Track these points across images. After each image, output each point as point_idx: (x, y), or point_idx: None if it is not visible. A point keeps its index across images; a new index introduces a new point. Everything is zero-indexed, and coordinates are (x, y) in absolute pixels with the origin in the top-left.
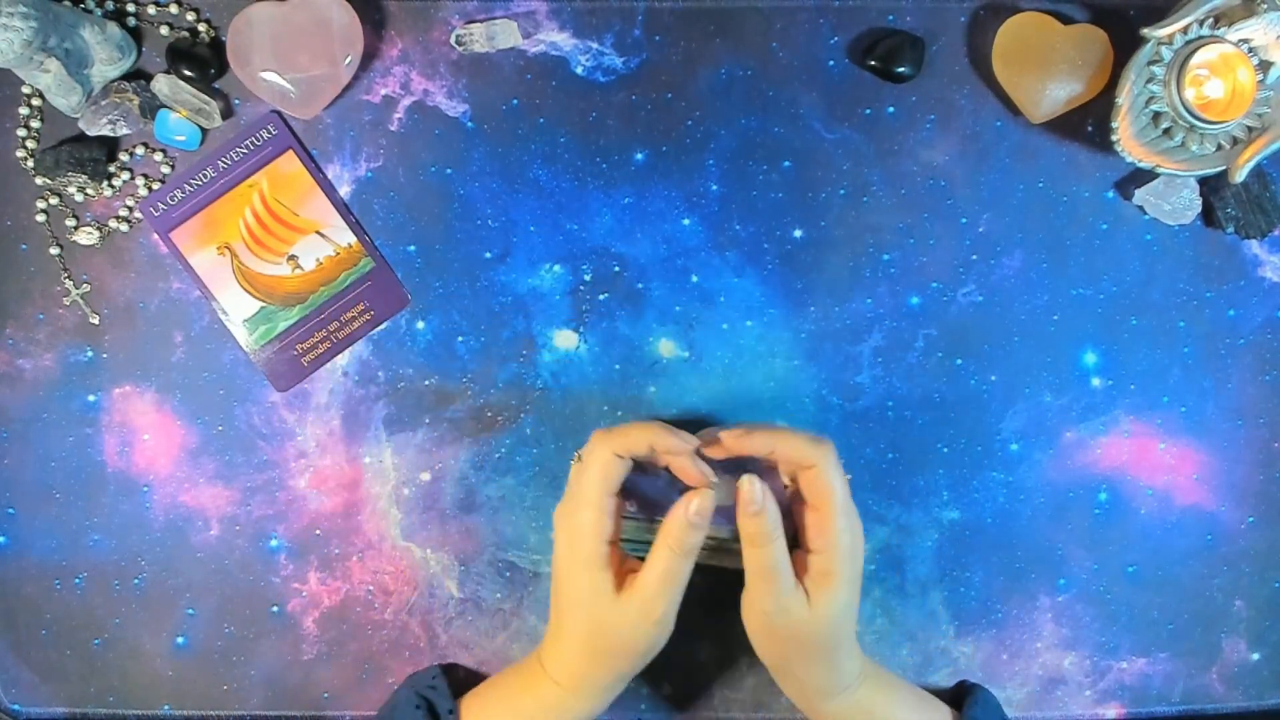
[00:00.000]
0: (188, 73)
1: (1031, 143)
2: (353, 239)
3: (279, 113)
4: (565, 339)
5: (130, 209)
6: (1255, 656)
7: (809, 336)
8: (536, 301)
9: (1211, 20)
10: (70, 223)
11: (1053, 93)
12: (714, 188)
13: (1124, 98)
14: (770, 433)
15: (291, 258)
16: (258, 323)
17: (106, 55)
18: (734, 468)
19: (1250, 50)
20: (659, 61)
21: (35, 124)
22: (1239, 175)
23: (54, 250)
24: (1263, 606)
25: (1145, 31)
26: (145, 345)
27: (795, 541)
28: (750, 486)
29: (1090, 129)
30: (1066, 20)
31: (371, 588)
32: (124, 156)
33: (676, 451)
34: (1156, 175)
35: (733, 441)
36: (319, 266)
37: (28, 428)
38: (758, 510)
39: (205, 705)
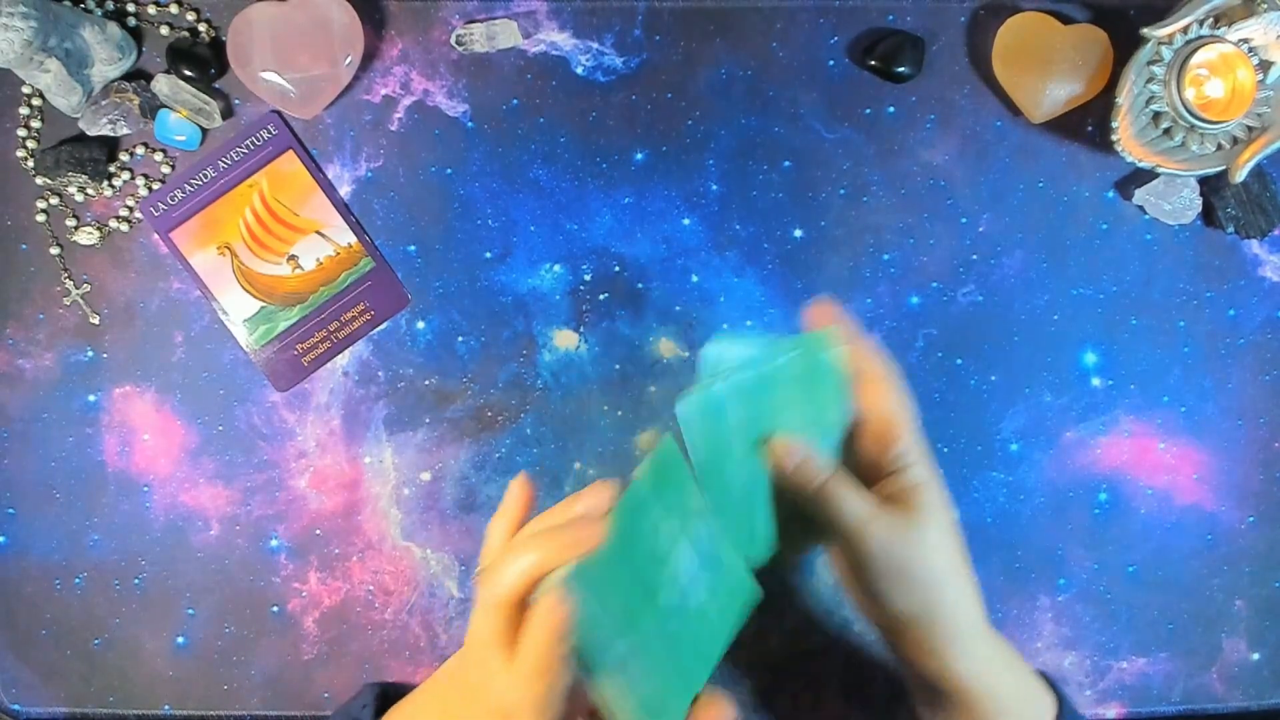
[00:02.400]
0: (188, 73)
1: (1031, 143)
2: (353, 239)
3: (279, 113)
4: (565, 339)
5: (130, 209)
6: (1255, 656)
7: None
8: (536, 301)
9: (1211, 20)
10: (70, 223)
11: (1053, 93)
12: (714, 188)
13: (1124, 98)
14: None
15: (291, 258)
16: (258, 323)
17: (106, 55)
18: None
19: (1250, 50)
20: (659, 61)
21: (35, 124)
22: (1239, 175)
23: (54, 250)
24: (1263, 606)
25: (1145, 31)
26: (145, 345)
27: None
28: (784, 441)
29: (1090, 129)
30: (1066, 20)
31: (371, 588)
32: (124, 156)
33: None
34: (1156, 175)
35: None
36: (319, 266)
37: (28, 428)
38: (805, 455)
39: (205, 705)
